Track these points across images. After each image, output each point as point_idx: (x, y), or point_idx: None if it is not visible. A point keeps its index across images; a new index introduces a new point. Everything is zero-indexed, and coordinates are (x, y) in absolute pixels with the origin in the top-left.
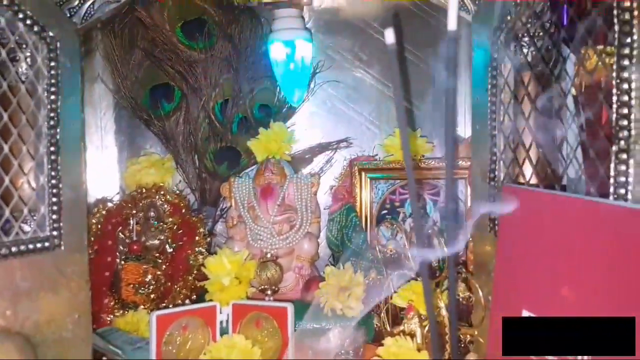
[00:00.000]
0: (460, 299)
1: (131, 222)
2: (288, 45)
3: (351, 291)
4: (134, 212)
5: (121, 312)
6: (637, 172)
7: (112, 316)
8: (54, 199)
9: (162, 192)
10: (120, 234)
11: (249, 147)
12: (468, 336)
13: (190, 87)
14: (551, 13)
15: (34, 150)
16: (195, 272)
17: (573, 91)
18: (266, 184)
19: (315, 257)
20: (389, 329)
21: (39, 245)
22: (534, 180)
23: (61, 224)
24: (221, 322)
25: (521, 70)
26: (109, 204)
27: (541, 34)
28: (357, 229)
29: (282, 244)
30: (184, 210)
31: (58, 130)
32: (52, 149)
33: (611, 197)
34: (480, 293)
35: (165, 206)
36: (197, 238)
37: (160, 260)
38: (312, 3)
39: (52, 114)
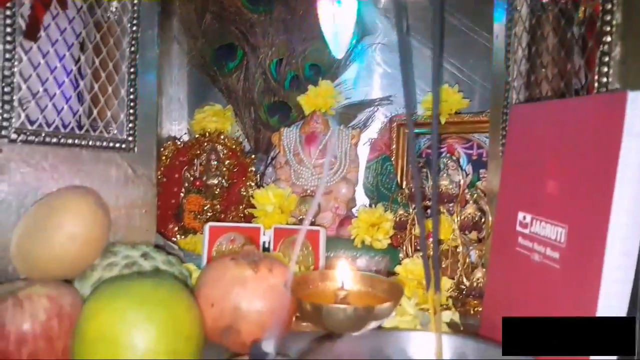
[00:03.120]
0: (471, 217)
1: (195, 162)
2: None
3: (380, 226)
4: (198, 152)
5: (183, 237)
6: (615, 71)
7: (175, 239)
8: (131, 110)
9: (222, 138)
10: (185, 172)
11: (298, 103)
12: (477, 251)
13: (250, 47)
14: None
15: (118, 69)
16: (245, 202)
17: (580, 15)
18: (310, 132)
19: (352, 203)
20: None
21: (117, 145)
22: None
23: (136, 132)
24: (264, 243)
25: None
26: (178, 142)
27: None
28: (390, 176)
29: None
30: (239, 154)
31: (137, 55)
32: (131, 69)
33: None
34: (490, 214)
35: (225, 150)
36: (248, 175)
37: (217, 193)
38: None
39: (133, 42)
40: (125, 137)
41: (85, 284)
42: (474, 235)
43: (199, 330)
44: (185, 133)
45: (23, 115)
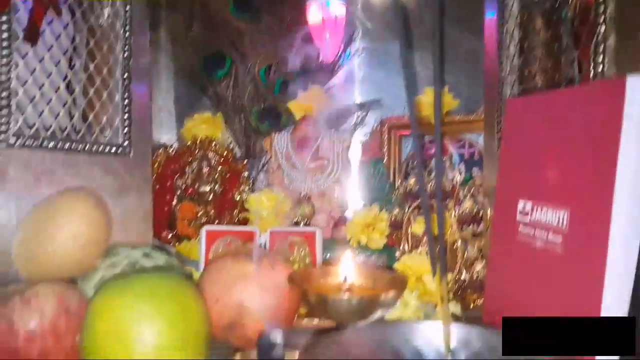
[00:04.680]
0: (469, 211)
1: (187, 170)
2: (325, 6)
3: (375, 226)
4: (190, 160)
5: (177, 244)
6: (611, 59)
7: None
8: (126, 115)
9: (213, 145)
10: (177, 180)
11: (288, 108)
12: (476, 245)
13: (239, 55)
14: None
15: (112, 74)
16: (239, 207)
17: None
18: (302, 136)
19: (345, 205)
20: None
21: (113, 149)
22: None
23: (131, 136)
24: (260, 245)
25: None
26: (169, 150)
27: None
28: (383, 179)
29: (314, 186)
30: (231, 160)
31: (130, 61)
32: (125, 75)
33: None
34: (489, 208)
35: (216, 157)
36: (241, 180)
37: (210, 199)
38: None
39: (126, 47)
40: (120, 142)
41: (88, 284)
42: (469, 230)
43: (207, 323)
44: (176, 141)
45: (21, 120)
